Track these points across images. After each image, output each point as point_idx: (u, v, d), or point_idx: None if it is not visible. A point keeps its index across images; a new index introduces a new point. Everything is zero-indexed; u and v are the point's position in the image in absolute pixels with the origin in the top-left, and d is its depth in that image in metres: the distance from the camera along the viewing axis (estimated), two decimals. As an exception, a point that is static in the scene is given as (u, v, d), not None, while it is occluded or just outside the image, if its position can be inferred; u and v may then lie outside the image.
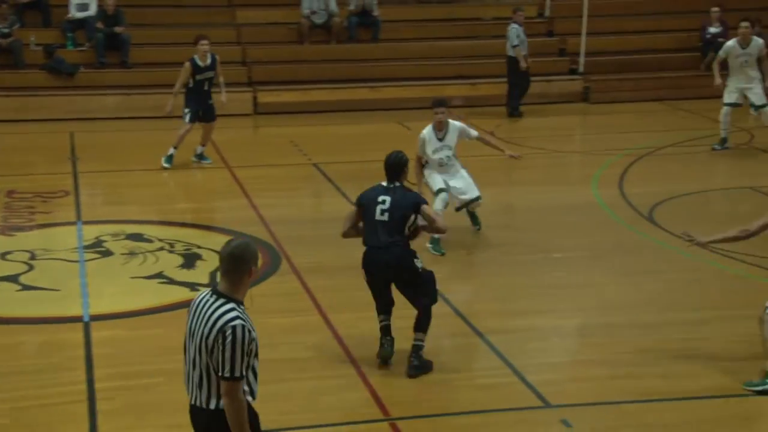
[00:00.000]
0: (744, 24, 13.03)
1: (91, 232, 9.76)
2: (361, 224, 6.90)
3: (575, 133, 15.73)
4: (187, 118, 12.22)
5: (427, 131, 9.30)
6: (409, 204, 6.80)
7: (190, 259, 8.98)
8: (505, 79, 16.14)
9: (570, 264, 9.07)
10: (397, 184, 6.86)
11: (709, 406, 6.42)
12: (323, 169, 12.38)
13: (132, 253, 9.14)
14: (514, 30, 15.51)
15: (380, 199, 6.76)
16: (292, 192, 11.57)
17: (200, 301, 4.41)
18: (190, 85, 12.23)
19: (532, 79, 16.14)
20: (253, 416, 4.40)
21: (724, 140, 13.12)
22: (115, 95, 15.98)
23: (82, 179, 11.97)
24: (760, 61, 12.92)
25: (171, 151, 12.23)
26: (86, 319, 7.69)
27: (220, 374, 4.25)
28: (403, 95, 15.99)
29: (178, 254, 9.12)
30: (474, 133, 9.55)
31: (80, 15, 16.58)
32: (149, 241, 9.49)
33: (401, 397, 6.51)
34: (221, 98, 12.34)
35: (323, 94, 16.28)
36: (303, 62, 17.05)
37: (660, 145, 13.45)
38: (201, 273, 8.65)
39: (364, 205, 6.84)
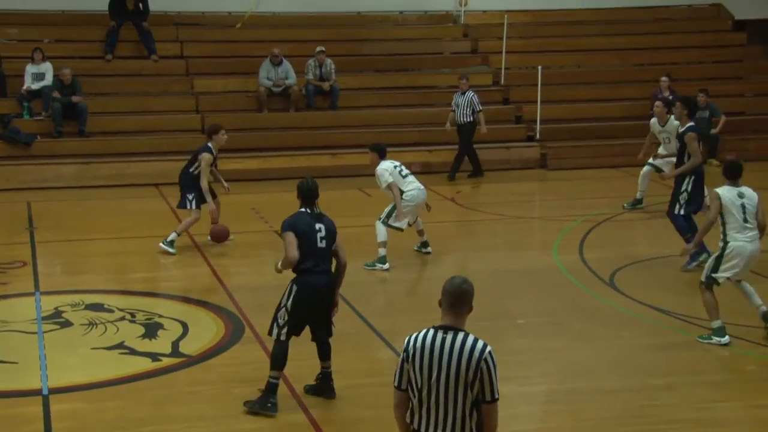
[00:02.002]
0: (657, 103, 13.15)
1: (49, 303, 9.59)
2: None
3: (534, 199, 15.91)
4: (194, 204, 11.42)
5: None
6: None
7: (151, 329, 8.84)
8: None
9: (533, 329, 9.09)
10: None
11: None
12: (285, 237, 12.33)
13: (92, 324, 8.99)
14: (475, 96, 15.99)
15: (317, 226, 7.11)
16: (253, 259, 11.49)
17: (431, 341, 4.61)
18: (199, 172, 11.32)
19: (493, 146, 16.51)
20: None
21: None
22: (73, 164, 15.88)
23: (40, 249, 11.81)
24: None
25: (173, 236, 11.39)
26: (45, 392, 7.51)
27: (486, 399, 4.55)
28: (363, 162, 16.03)
29: (140, 324, 8.99)
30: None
31: (36, 86, 16.54)
32: (110, 310, 9.35)
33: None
34: (224, 184, 11.74)
35: (284, 161, 16.33)
36: (262, 130, 17.14)
37: (617, 211, 13.65)
38: (163, 343, 8.51)
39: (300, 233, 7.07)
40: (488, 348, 4.57)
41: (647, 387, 7.65)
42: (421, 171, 16.34)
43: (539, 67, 17.60)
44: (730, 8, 20.56)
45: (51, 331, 8.84)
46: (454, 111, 16.15)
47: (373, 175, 11.11)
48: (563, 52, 19.71)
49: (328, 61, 17.58)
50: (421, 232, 11.31)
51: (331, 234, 7.16)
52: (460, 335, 4.60)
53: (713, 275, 8.34)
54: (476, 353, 4.53)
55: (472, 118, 16.05)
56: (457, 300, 4.66)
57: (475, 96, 16.07)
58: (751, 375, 7.91)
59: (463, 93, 16.08)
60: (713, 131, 17.22)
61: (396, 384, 4.73)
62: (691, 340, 8.64)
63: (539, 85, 17.46)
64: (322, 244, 7.07)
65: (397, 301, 9.96)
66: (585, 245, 11.87)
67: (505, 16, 18.97)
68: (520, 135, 17.78)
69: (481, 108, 16.09)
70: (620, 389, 7.66)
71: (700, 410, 7.25)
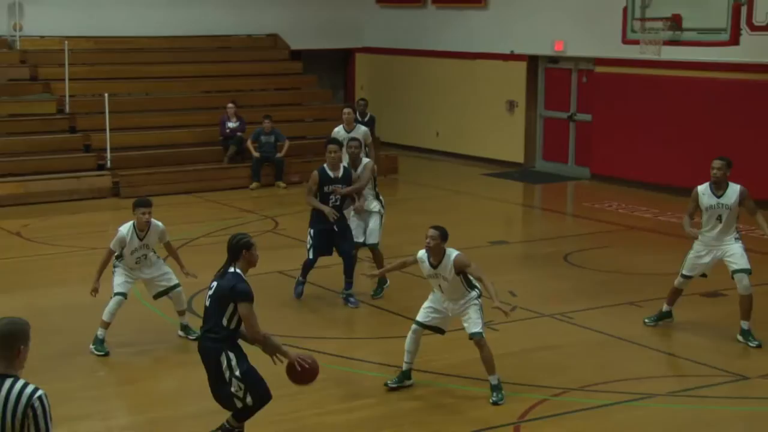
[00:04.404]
0: (347, 110, 12.99)
1: None
2: None
3: (109, 229, 15.45)
4: None
5: (127, 228, 9.12)
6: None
7: None
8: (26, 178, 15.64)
9: (115, 361, 8.93)
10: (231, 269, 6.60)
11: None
12: None
13: None
14: None
15: (211, 284, 6.61)
16: None
17: None
18: None
19: (62, 176, 15.84)
20: None
21: None
22: None
23: None
24: (368, 150, 12.74)
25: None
26: None
27: None
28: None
29: None
30: (167, 238, 9.43)
31: None
32: None
33: None
34: None
35: None
36: None
37: (194, 236, 13.85)
38: None
39: None
40: (38, 392, 4.34)
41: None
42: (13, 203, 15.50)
43: (106, 95, 17.33)
44: (286, 39, 21.83)
45: None
46: None
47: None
48: (130, 79, 19.58)
49: None
50: None
51: (217, 294, 6.52)
52: (8, 382, 4.33)
53: None
54: (23, 399, 4.30)
55: None
56: (3, 343, 4.37)
57: None
58: (321, 384, 8.45)
59: None
60: (278, 155, 18.17)
61: None
62: (267, 357, 9.01)
63: (107, 113, 17.19)
64: (207, 303, 6.59)
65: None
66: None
67: (65, 42, 18.42)
68: (89, 164, 17.34)
69: None
70: (202, 413, 7.78)
71: (276, 423, 7.61)
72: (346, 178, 10.36)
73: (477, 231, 14.34)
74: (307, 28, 21.99)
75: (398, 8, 22.24)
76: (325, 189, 10.29)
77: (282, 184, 18.10)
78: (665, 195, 16.52)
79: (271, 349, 6.62)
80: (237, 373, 6.52)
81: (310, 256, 10.35)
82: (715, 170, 9.28)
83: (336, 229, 10.26)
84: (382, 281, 10.68)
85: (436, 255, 7.82)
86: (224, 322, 6.50)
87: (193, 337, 9.47)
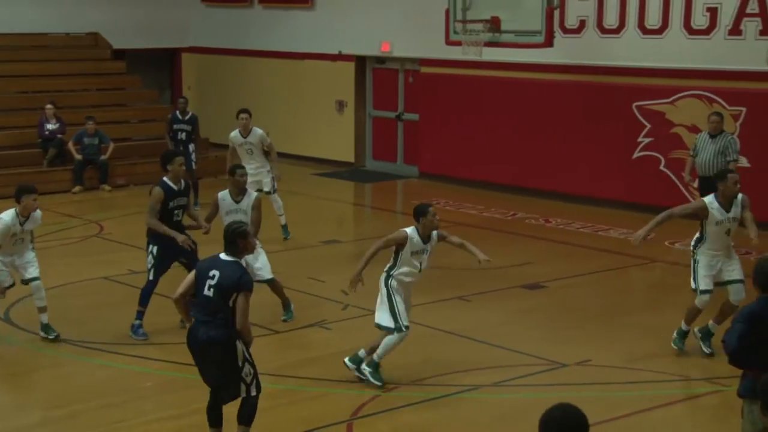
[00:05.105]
0: (244, 116, 13.13)
1: None
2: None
3: None
4: None
5: (11, 215, 9.00)
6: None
7: None
8: None
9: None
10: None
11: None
12: None
13: None
14: None
15: (211, 273, 6.56)
16: None
17: None
18: None
19: None
20: None
21: None
22: None
23: None
24: (269, 150, 13.16)
25: None
26: None
27: None
28: None
29: None
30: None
31: None
32: None
33: None
34: None
35: None
36: None
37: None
38: None
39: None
40: None
41: (50, 419, 7.60)
42: None
43: None
44: (107, 37, 21.15)
45: None
46: None
47: None
48: (-61, 78, 18.54)
49: None
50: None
51: (223, 284, 6.50)
52: None
53: None
54: None
55: None
56: None
57: None
58: (147, 391, 8.26)
59: None
60: (103, 158, 17.61)
61: None
62: (88, 365, 8.75)
63: None
64: (208, 293, 6.53)
65: None
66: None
67: None
68: None
69: None
70: (23, 427, 7.48)
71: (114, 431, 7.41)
72: (188, 190, 9.51)
73: (309, 230, 14.38)
74: (129, 26, 21.39)
75: (224, 7, 21.99)
76: (170, 204, 9.21)
77: (107, 188, 17.56)
78: (490, 192, 17.08)
79: (247, 339, 6.64)
80: (249, 358, 6.65)
81: (151, 277, 9.27)
82: (737, 183, 8.78)
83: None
84: (286, 304, 9.98)
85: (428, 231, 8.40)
86: (230, 311, 6.54)
87: (52, 337, 9.17)
